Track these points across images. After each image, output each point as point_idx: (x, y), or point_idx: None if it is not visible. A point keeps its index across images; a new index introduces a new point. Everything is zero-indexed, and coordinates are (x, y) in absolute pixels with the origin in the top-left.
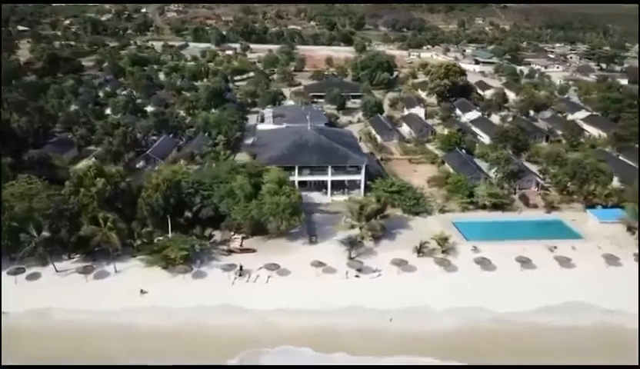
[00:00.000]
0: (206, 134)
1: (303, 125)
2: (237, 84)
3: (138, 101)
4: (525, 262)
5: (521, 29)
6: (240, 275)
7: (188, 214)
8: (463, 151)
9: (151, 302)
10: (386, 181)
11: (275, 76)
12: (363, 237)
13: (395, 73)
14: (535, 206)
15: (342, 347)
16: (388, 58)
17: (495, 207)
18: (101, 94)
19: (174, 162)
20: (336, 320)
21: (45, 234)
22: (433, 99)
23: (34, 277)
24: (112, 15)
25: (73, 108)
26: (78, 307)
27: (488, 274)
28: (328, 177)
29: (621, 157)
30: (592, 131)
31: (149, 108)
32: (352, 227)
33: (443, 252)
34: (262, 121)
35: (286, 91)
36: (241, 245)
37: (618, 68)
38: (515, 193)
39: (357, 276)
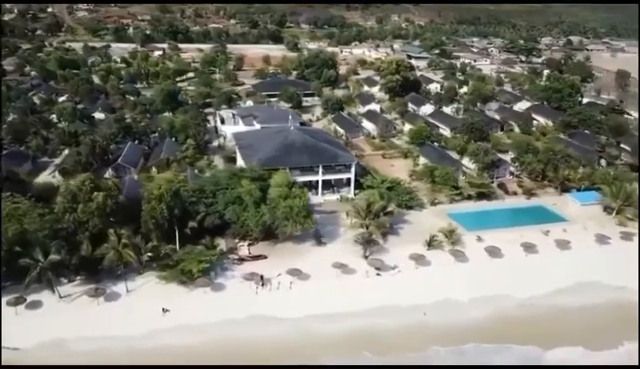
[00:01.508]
0: (173, 139)
1: (282, 125)
2: (178, 85)
3: (80, 106)
4: (528, 248)
5: (437, 25)
6: (262, 284)
7: (192, 223)
8: (435, 144)
9: (176, 321)
10: (376, 177)
11: (217, 76)
12: (372, 235)
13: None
14: (515, 193)
15: (392, 347)
16: (331, 55)
17: (480, 196)
18: (36, 100)
19: (148, 170)
20: (374, 320)
21: (55, 256)
22: (382, 94)
23: (35, 305)
24: (16, 15)
25: (12, 117)
26: (95, 334)
27: (498, 262)
28: (319, 177)
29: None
30: (539, 119)
31: (97, 115)
32: (362, 225)
33: (452, 244)
34: (222, 122)
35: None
36: (249, 253)
37: (537, 59)
38: (492, 182)
39: (378, 274)
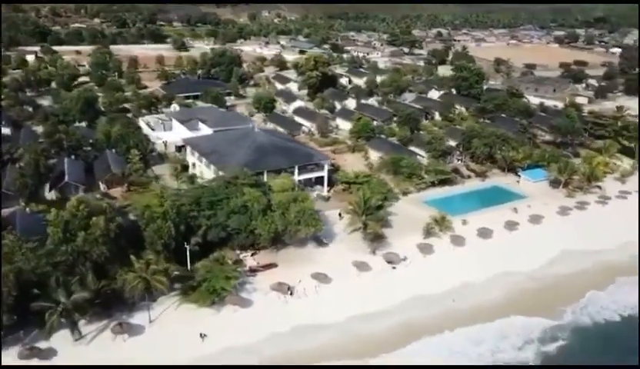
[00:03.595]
0: (113, 151)
1: (244, 127)
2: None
3: None
4: (510, 225)
5: (313, 21)
6: (291, 294)
7: (197, 239)
8: (383, 136)
9: (219, 345)
10: (347, 173)
11: (123, 80)
12: (375, 230)
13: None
14: (469, 176)
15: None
16: (237, 53)
17: (441, 183)
18: None
19: (108, 187)
20: (410, 313)
21: (82, 294)
22: (299, 91)
23: (49, 354)
24: None
25: None
26: None
27: (491, 242)
28: (296, 178)
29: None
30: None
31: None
32: (361, 222)
33: (445, 230)
34: (152, 129)
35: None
36: (258, 263)
37: (420, 51)
38: None
39: (394, 268)
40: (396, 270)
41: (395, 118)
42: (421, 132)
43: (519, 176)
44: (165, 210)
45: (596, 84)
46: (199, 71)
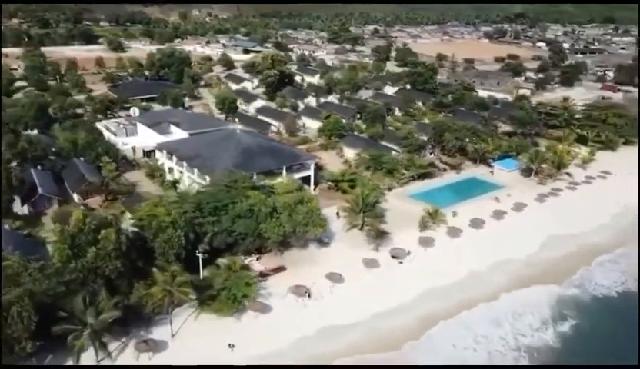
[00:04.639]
0: (81, 159)
1: (225, 129)
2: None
3: None
4: (498, 215)
5: (248, 19)
6: (309, 296)
7: (205, 246)
8: (355, 133)
9: (248, 353)
10: (333, 172)
11: (67, 83)
12: (372, 226)
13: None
14: (444, 169)
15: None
16: (186, 53)
17: (420, 177)
18: None
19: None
20: (429, 305)
21: (113, 313)
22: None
23: None
24: None
25: None
26: None
27: (484, 232)
28: (284, 179)
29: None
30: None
31: None
32: (362, 220)
33: (440, 223)
34: (114, 134)
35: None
36: (265, 267)
37: (362, 47)
38: None
39: (400, 262)
40: (403, 265)
41: (358, 115)
42: (388, 128)
43: (492, 167)
44: (173, 218)
45: (534, 77)
46: (147, 73)
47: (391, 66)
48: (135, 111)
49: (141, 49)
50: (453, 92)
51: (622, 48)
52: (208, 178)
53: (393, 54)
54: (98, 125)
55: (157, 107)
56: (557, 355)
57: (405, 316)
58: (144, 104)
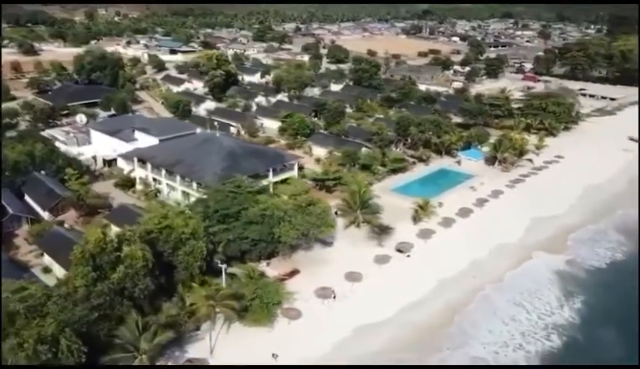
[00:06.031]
0: (42, 172)
1: (204, 133)
2: None
3: None
4: (481, 202)
5: (159, 18)
6: (334, 297)
7: (221, 256)
8: (322, 131)
9: (293, 359)
10: (315, 171)
11: None
12: (370, 222)
13: None
14: (414, 163)
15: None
16: (119, 55)
17: (393, 171)
18: None
19: (55, 214)
20: (446, 294)
21: (168, 335)
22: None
23: None
24: None
25: None
26: None
27: (471, 220)
28: (270, 180)
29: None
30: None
31: None
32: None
33: (430, 214)
34: (65, 143)
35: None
36: (280, 272)
37: (289, 46)
38: None
39: (408, 256)
40: (410, 259)
41: (313, 113)
42: (352, 125)
43: (457, 157)
44: (194, 229)
45: (462, 70)
46: (76, 77)
47: (324, 63)
48: (81, 118)
49: (54, 51)
50: (402, 87)
51: (527, 41)
52: (195, 185)
53: (323, 51)
54: (43, 135)
55: (102, 113)
56: (578, 330)
57: (429, 307)
58: (89, 110)
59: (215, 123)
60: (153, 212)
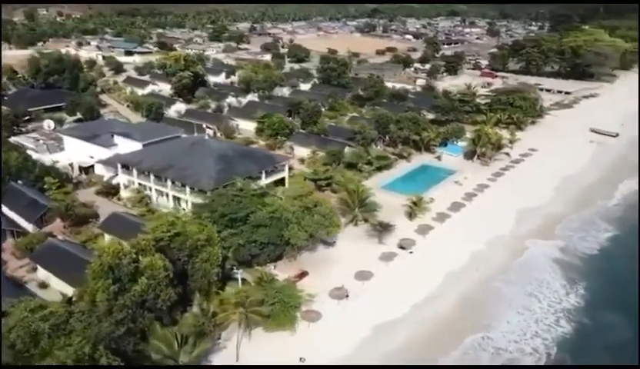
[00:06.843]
0: (19, 182)
1: (191, 137)
2: None
3: None
4: (469, 196)
5: (107, 18)
6: (347, 296)
7: (232, 261)
8: (302, 130)
9: (320, 361)
10: (305, 171)
11: None
12: (369, 220)
13: None
14: (395, 160)
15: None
16: (77, 58)
17: (378, 168)
18: None
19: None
20: (457, 287)
21: (204, 346)
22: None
23: None
24: None
25: None
26: None
27: (464, 213)
28: (264, 181)
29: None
30: None
31: None
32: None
33: (424, 210)
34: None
35: None
36: (289, 275)
37: (247, 45)
38: None
39: (411, 252)
40: (413, 255)
41: (288, 113)
42: (330, 123)
43: (437, 153)
44: (209, 235)
45: (422, 68)
46: (32, 81)
47: (286, 63)
48: (49, 124)
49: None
50: (373, 85)
51: (477, 38)
52: (188, 190)
53: (283, 51)
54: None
55: (68, 118)
56: (587, 314)
57: (443, 302)
58: (54, 115)
59: (194, 125)
60: (157, 220)
